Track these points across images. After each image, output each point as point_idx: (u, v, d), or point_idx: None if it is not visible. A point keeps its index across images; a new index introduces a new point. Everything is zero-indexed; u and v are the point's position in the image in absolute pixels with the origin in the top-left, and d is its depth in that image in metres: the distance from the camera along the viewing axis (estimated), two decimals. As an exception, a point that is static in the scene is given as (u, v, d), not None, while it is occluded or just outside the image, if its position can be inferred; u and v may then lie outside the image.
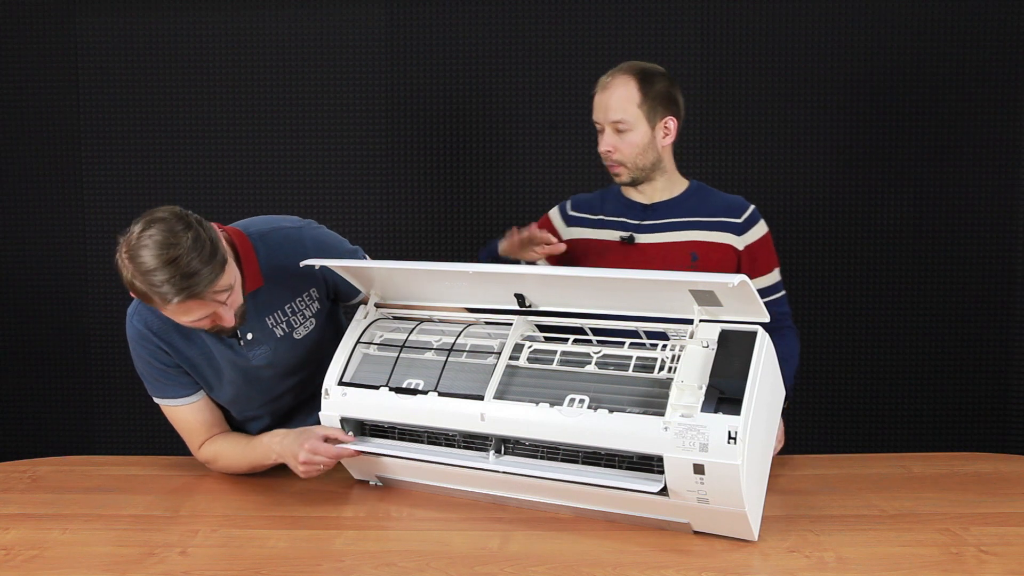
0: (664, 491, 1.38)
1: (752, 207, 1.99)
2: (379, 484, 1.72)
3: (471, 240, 2.86)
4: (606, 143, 1.96)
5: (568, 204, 2.12)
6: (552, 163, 2.85)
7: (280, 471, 1.80)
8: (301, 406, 1.84)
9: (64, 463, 1.91)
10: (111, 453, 2.85)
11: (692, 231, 1.95)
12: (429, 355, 1.64)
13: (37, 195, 2.90)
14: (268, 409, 1.81)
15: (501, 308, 1.63)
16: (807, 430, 2.84)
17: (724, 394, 1.35)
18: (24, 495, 1.69)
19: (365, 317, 1.73)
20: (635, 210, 2.01)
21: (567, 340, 1.56)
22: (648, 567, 1.32)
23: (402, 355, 1.65)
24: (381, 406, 1.61)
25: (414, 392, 1.59)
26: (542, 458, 1.50)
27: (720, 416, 1.34)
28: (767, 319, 1.42)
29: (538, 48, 2.81)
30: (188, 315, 1.52)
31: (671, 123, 1.97)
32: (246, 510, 1.59)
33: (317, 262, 1.66)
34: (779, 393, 1.51)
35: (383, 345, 1.68)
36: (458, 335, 1.64)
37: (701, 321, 1.44)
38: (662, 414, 1.38)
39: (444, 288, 1.68)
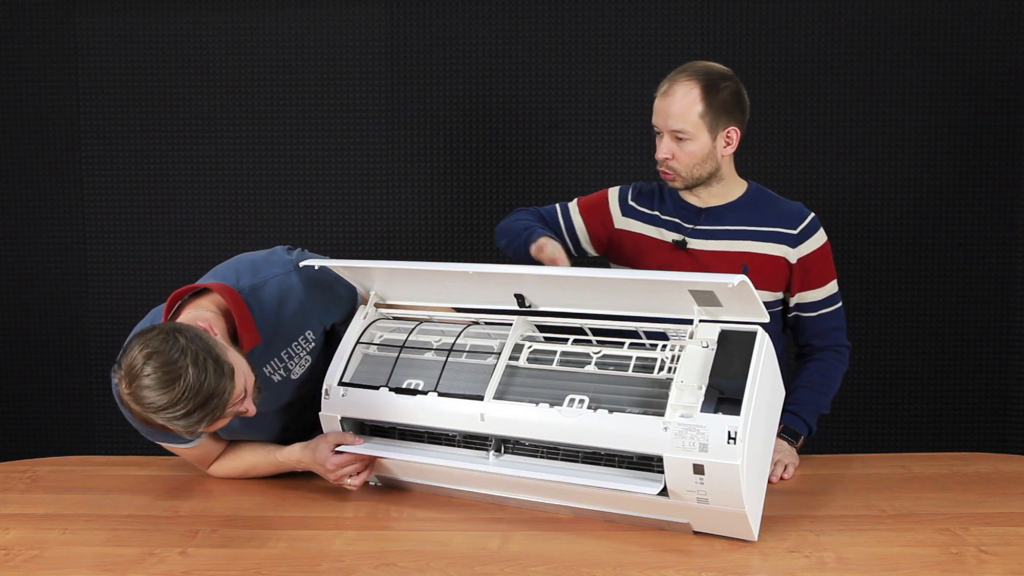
0: (664, 492, 1.38)
1: (811, 216, 1.91)
2: (379, 484, 1.72)
3: (471, 240, 2.86)
4: (664, 150, 1.87)
5: (630, 192, 2.02)
6: (552, 163, 2.85)
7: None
8: (305, 428, 1.82)
9: (64, 463, 1.91)
10: (111, 453, 2.84)
11: (745, 241, 1.89)
12: (429, 355, 1.64)
13: (37, 195, 2.90)
14: (274, 438, 1.78)
15: (501, 308, 1.63)
16: (807, 430, 2.84)
17: (724, 394, 1.35)
18: (24, 495, 1.69)
19: (365, 317, 1.73)
20: (690, 212, 1.94)
21: (567, 340, 1.56)
22: (648, 567, 1.32)
23: (402, 355, 1.65)
24: (381, 406, 1.61)
25: (414, 392, 1.59)
26: (542, 458, 1.50)
27: (720, 416, 1.34)
28: (767, 319, 1.42)
29: (538, 48, 2.81)
30: (213, 428, 1.46)
31: (733, 133, 1.89)
32: (246, 510, 1.59)
33: (318, 262, 1.66)
34: (779, 393, 1.51)
35: (383, 345, 1.68)
36: (458, 335, 1.64)
37: (701, 321, 1.44)
38: (662, 414, 1.38)
39: (444, 288, 1.68)
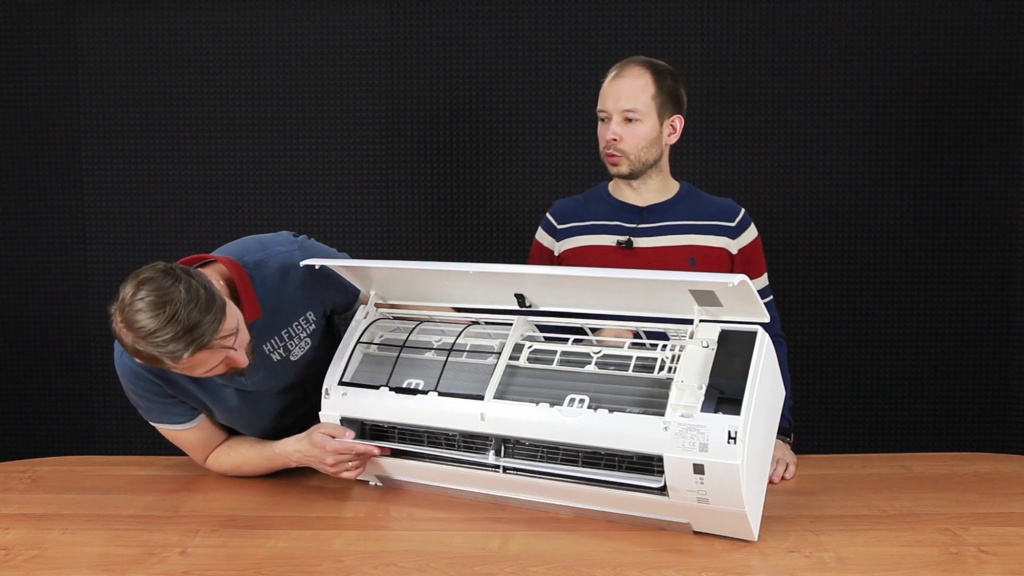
0: (664, 489, 1.38)
1: (743, 211, 1.98)
2: (379, 484, 1.72)
3: (471, 240, 2.87)
4: (612, 131, 1.92)
5: (551, 219, 2.05)
6: (552, 163, 2.85)
7: (280, 470, 1.80)
8: (302, 418, 1.83)
9: (64, 463, 1.91)
10: (111, 453, 2.85)
11: (689, 235, 1.94)
12: (429, 355, 1.64)
13: (37, 195, 2.90)
14: (270, 424, 1.80)
15: (501, 308, 1.63)
16: (807, 430, 2.84)
17: (724, 394, 1.35)
18: (24, 495, 1.69)
19: (365, 317, 1.73)
20: (630, 213, 1.98)
21: (567, 340, 1.56)
22: (648, 567, 1.32)
23: (402, 355, 1.65)
24: (381, 406, 1.61)
25: (414, 392, 1.59)
26: (542, 458, 1.50)
27: (720, 416, 1.34)
28: (767, 319, 1.42)
29: (538, 48, 2.81)
30: (201, 367, 1.47)
31: (678, 122, 1.96)
32: (246, 510, 1.59)
33: (319, 262, 1.66)
34: (779, 393, 1.51)
35: (383, 345, 1.68)
36: (458, 335, 1.64)
37: (701, 321, 1.44)
38: (662, 414, 1.38)
39: (444, 288, 1.68)
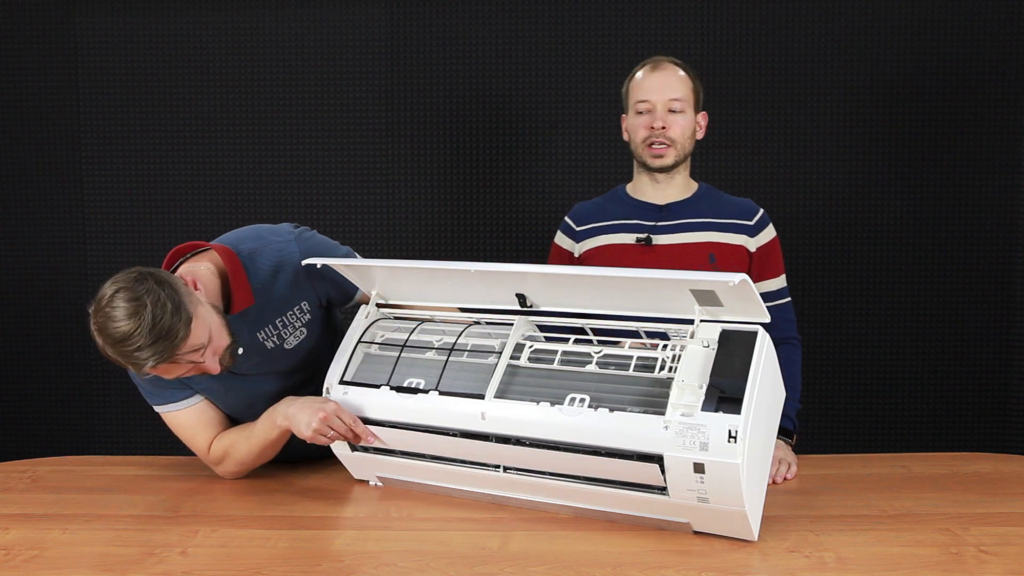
0: (664, 489, 1.38)
1: (761, 210, 1.99)
2: (379, 484, 1.72)
3: (471, 240, 2.87)
4: (661, 119, 1.92)
5: (570, 222, 2.07)
6: (552, 163, 2.85)
7: (280, 471, 1.80)
8: None
9: (64, 463, 1.91)
10: (111, 453, 2.85)
11: (708, 232, 1.94)
12: (430, 354, 1.64)
13: (37, 195, 2.90)
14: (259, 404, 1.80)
15: (502, 308, 1.63)
16: (808, 430, 2.84)
17: (724, 393, 1.35)
18: (24, 495, 1.69)
19: (366, 317, 1.73)
20: (649, 211, 1.98)
21: (568, 340, 1.56)
22: (648, 567, 1.32)
23: (403, 354, 1.65)
24: (382, 405, 1.61)
25: (415, 391, 1.59)
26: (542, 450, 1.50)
27: (720, 415, 1.34)
28: (767, 319, 1.42)
29: (538, 48, 2.81)
30: (169, 374, 1.52)
31: (703, 119, 2.00)
32: (246, 510, 1.59)
33: (319, 261, 1.66)
34: (779, 393, 1.51)
35: (384, 345, 1.69)
36: (459, 335, 1.64)
37: (702, 321, 1.44)
38: (662, 413, 1.38)
39: (445, 287, 1.68)
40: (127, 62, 2.85)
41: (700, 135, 2.00)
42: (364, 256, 1.85)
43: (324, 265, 1.69)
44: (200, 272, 1.61)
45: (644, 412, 1.40)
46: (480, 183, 2.86)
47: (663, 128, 1.92)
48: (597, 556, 1.36)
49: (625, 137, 2.02)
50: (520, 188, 2.85)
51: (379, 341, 1.69)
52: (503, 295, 1.61)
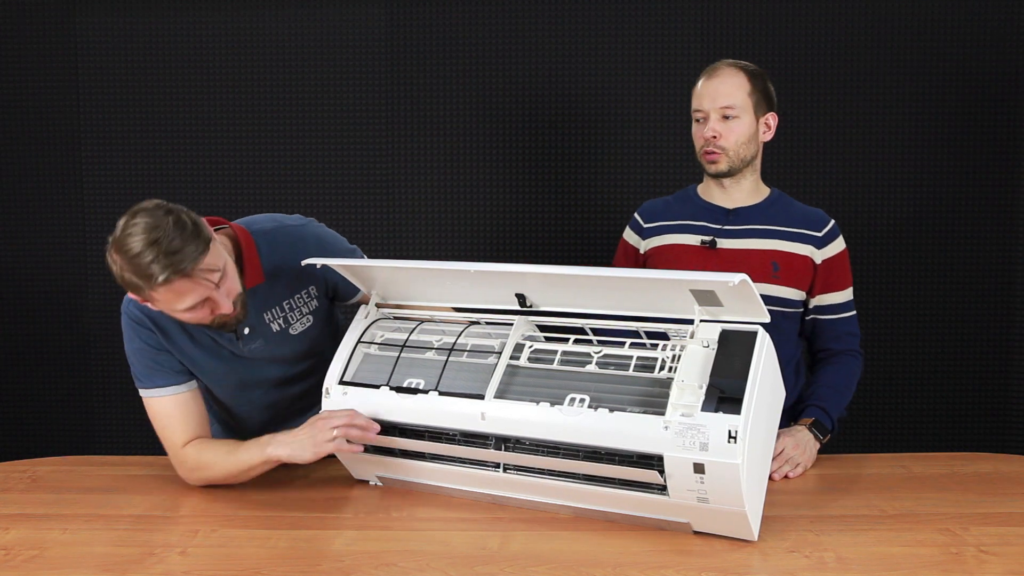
0: (664, 488, 1.38)
1: (832, 222, 1.96)
2: (379, 484, 1.72)
3: (471, 240, 2.87)
4: (712, 128, 1.92)
5: (639, 218, 2.07)
6: (552, 163, 2.85)
7: (280, 471, 1.80)
8: (305, 407, 1.84)
9: (64, 463, 1.91)
10: (111, 453, 2.84)
11: (773, 240, 1.92)
12: (430, 355, 1.64)
13: (37, 195, 2.90)
14: (270, 399, 1.80)
15: (502, 308, 1.63)
16: (807, 430, 2.84)
17: (724, 393, 1.35)
18: (24, 495, 1.69)
19: (366, 317, 1.73)
20: (717, 214, 1.97)
21: (568, 340, 1.56)
22: (648, 567, 1.32)
23: (403, 355, 1.65)
24: (382, 405, 1.61)
25: (415, 391, 1.59)
26: (543, 457, 1.50)
27: (720, 415, 1.34)
28: (767, 319, 1.42)
29: (538, 48, 2.81)
30: (181, 299, 1.50)
31: (772, 119, 1.97)
32: (246, 510, 1.59)
33: (319, 261, 1.66)
34: (779, 393, 1.51)
35: (384, 345, 1.68)
36: (459, 335, 1.64)
37: (702, 321, 1.44)
38: (662, 413, 1.38)
39: (445, 288, 1.68)
40: (127, 62, 2.85)
41: (767, 137, 1.97)
42: (365, 255, 1.86)
43: (331, 248, 1.73)
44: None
45: (644, 412, 1.40)
46: (479, 183, 2.86)
47: (714, 137, 1.92)
48: (597, 556, 1.36)
49: None
50: (520, 188, 2.85)
51: (379, 341, 1.69)
52: (503, 295, 1.61)
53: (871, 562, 1.33)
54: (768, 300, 1.82)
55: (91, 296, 2.91)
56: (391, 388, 1.61)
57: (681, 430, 1.35)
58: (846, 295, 1.96)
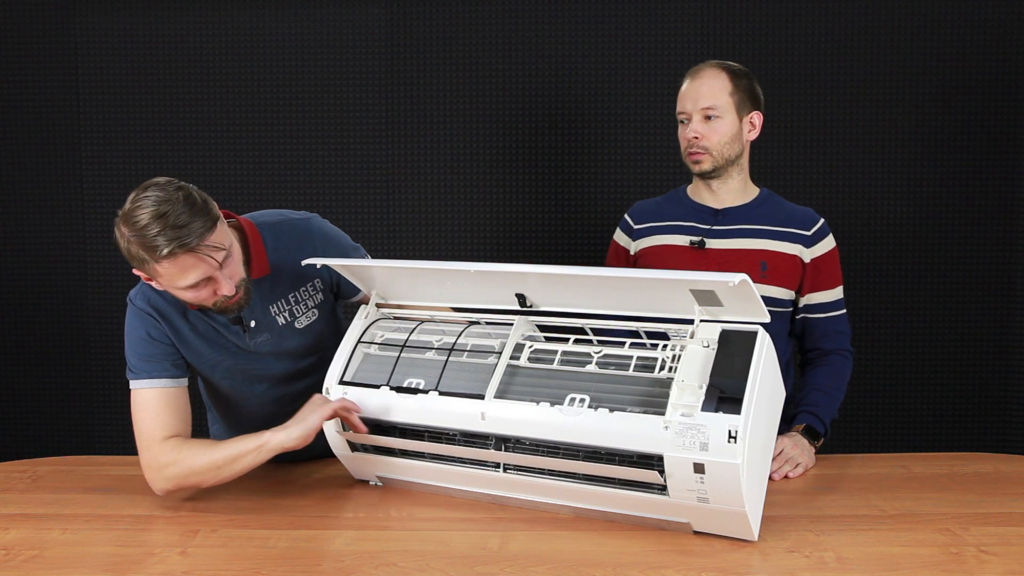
0: (664, 488, 1.38)
1: (822, 220, 1.97)
2: (379, 484, 1.72)
3: (471, 240, 2.87)
4: (693, 129, 1.93)
5: (628, 219, 2.08)
6: (552, 163, 2.85)
7: (280, 471, 1.80)
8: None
9: (64, 463, 1.91)
10: (111, 453, 2.84)
11: (762, 239, 1.93)
12: (430, 355, 1.64)
13: (37, 195, 2.90)
14: (274, 395, 1.80)
15: (502, 308, 1.63)
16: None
17: (724, 393, 1.35)
18: (24, 495, 1.69)
19: (366, 317, 1.73)
20: (705, 214, 1.98)
21: (568, 340, 1.56)
22: (648, 567, 1.32)
23: (403, 355, 1.65)
24: (382, 405, 1.61)
25: (415, 391, 1.59)
26: (542, 457, 1.50)
27: (720, 415, 1.34)
28: (767, 319, 1.42)
29: (538, 48, 2.81)
30: (184, 275, 1.50)
31: (757, 118, 1.97)
32: (246, 510, 1.59)
33: (319, 261, 1.66)
34: (779, 393, 1.51)
35: (384, 345, 1.68)
36: (459, 335, 1.64)
37: (702, 321, 1.44)
38: (662, 413, 1.38)
39: (445, 288, 1.68)
40: (127, 62, 2.85)
41: (752, 136, 1.97)
42: (368, 253, 1.87)
43: (334, 242, 1.75)
44: None
45: (644, 412, 1.40)
46: (479, 183, 2.86)
47: (696, 138, 1.93)
48: (597, 556, 1.36)
49: None
50: (520, 188, 2.85)
51: (379, 341, 1.69)
52: (503, 295, 1.61)
53: (871, 562, 1.33)
54: None
55: (91, 296, 2.91)
56: (391, 388, 1.61)
57: (681, 430, 1.35)
58: (836, 294, 1.96)
